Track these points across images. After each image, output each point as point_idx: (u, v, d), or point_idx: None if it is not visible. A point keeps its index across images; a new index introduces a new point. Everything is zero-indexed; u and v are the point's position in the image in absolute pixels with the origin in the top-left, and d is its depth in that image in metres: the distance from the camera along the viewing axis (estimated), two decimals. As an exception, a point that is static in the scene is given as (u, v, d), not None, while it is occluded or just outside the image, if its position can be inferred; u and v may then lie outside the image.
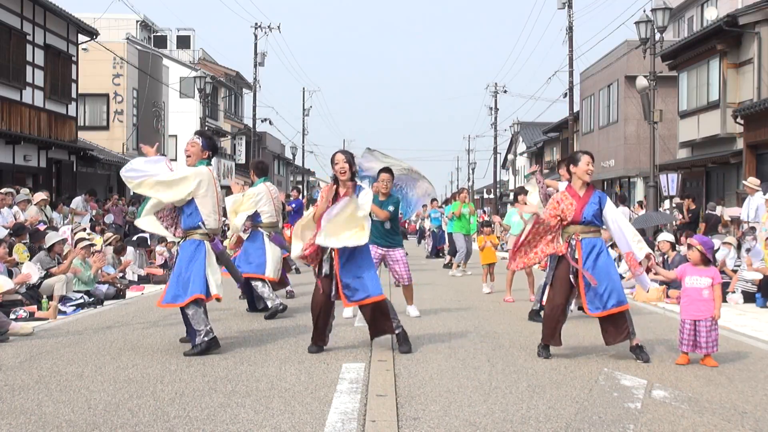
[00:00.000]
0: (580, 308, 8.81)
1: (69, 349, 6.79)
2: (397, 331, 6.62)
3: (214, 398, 4.95)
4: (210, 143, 6.77)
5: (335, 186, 6.51)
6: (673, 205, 19.05)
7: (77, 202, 17.32)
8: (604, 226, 6.47)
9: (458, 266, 15.85)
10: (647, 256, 6.32)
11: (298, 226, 6.60)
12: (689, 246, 6.47)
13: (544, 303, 7.60)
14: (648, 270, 6.54)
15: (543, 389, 5.23)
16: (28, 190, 15.84)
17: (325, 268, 6.52)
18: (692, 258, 6.37)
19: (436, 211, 22.13)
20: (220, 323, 7.22)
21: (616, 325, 6.25)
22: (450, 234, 17.29)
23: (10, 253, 9.93)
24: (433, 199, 24.29)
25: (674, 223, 17.09)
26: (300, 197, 17.98)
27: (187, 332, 6.77)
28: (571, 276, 6.28)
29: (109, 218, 18.41)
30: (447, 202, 17.86)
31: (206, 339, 6.46)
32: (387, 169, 8.91)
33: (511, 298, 10.68)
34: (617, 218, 6.40)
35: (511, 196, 54.28)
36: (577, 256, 6.23)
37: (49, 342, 7.21)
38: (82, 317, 9.15)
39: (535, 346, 6.84)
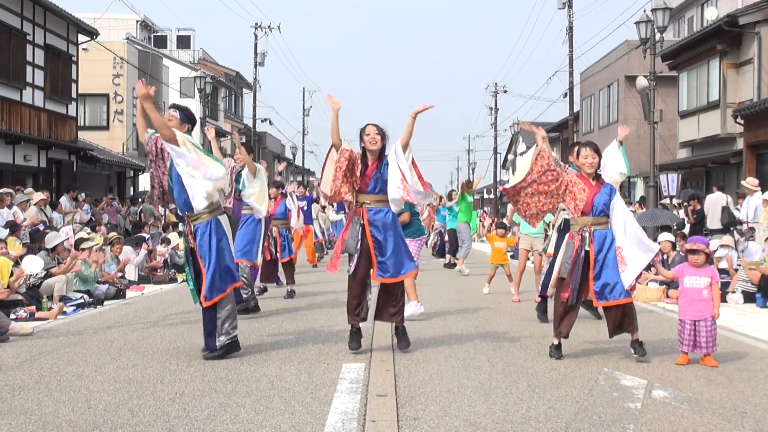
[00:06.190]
0: (587, 307, 8.85)
1: (69, 349, 6.79)
2: (398, 325, 6.60)
3: (214, 398, 4.95)
4: (186, 114, 6.53)
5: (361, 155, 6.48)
6: (674, 204, 19.04)
7: (63, 201, 17.39)
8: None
9: (463, 261, 15.75)
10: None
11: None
12: (693, 251, 6.36)
13: (549, 293, 7.61)
14: (648, 267, 6.54)
15: (543, 389, 5.23)
16: (32, 190, 15.85)
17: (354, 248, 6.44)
18: (696, 261, 6.30)
19: (444, 209, 21.91)
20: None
21: (622, 316, 6.27)
22: (452, 229, 17.08)
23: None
24: (440, 197, 24.15)
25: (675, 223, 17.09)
26: (309, 194, 17.70)
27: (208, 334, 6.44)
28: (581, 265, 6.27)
29: (104, 218, 18.43)
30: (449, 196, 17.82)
31: (228, 342, 6.30)
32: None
33: (518, 299, 10.66)
34: (624, 212, 6.36)
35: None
36: (588, 248, 6.24)
37: (49, 342, 7.22)
38: (82, 317, 9.15)
39: (535, 346, 6.85)
